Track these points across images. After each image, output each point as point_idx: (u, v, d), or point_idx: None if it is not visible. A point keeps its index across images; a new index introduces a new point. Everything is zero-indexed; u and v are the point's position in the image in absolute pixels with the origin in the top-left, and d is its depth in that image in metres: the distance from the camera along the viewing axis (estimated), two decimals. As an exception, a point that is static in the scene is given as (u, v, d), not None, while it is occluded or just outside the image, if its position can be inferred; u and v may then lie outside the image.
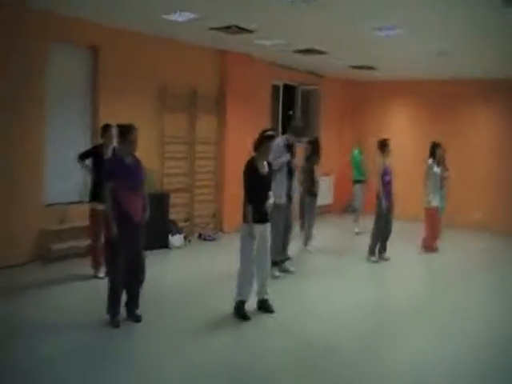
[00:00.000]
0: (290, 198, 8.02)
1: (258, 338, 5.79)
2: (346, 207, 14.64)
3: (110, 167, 5.81)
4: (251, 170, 6.20)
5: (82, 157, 7.37)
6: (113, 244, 5.63)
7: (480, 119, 13.05)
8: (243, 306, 6.22)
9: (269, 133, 6.46)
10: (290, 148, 7.97)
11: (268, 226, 6.36)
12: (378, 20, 7.44)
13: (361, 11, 6.97)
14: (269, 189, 6.33)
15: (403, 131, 13.86)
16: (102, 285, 6.08)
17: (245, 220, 6.15)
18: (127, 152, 5.73)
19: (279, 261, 8.12)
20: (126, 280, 5.76)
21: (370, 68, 12.08)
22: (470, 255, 10.32)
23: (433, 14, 6.97)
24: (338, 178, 14.44)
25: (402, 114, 14.23)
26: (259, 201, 6.20)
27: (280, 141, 7.89)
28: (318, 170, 9.87)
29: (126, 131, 5.68)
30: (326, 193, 13.23)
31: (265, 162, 6.33)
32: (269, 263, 6.62)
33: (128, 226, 5.62)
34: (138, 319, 5.86)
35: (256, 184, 6.20)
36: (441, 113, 13.39)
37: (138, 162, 5.85)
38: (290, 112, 13.02)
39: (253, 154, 6.28)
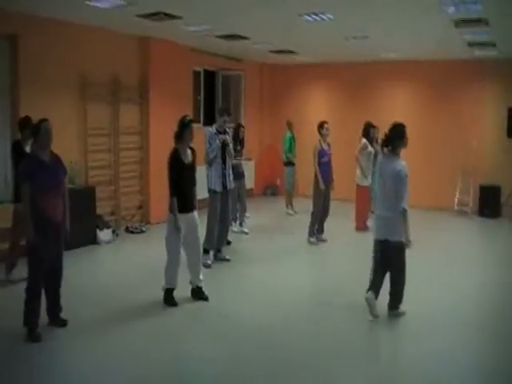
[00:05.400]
0: (224, 185, 7.90)
1: (188, 324, 5.92)
2: (265, 190, 14.76)
3: (27, 167, 5.29)
4: (174, 160, 6.18)
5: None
6: (31, 248, 5.24)
7: (400, 97, 13.35)
8: (171, 293, 6.31)
9: (185, 119, 6.31)
10: (224, 133, 7.88)
11: (195, 214, 6.35)
12: (304, 5, 7.40)
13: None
14: (193, 178, 6.31)
15: (324, 113, 13.95)
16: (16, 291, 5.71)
17: (170, 210, 6.15)
18: (43, 149, 5.31)
19: (216, 250, 8.07)
20: (45, 284, 5.41)
21: (291, 52, 12.10)
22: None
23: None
24: (258, 162, 14.47)
25: (323, 97, 14.31)
26: (183, 191, 6.19)
27: (212, 129, 7.84)
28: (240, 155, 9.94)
29: (36, 128, 5.30)
30: (247, 177, 13.15)
31: (188, 151, 6.31)
32: (200, 251, 6.63)
33: (47, 228, 5.25)
34: (63, 323, 5.53)
35: (179, 174, 6.16)
36: (361, 93, 13.60)
37: (57, 160, 5.44)
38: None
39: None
